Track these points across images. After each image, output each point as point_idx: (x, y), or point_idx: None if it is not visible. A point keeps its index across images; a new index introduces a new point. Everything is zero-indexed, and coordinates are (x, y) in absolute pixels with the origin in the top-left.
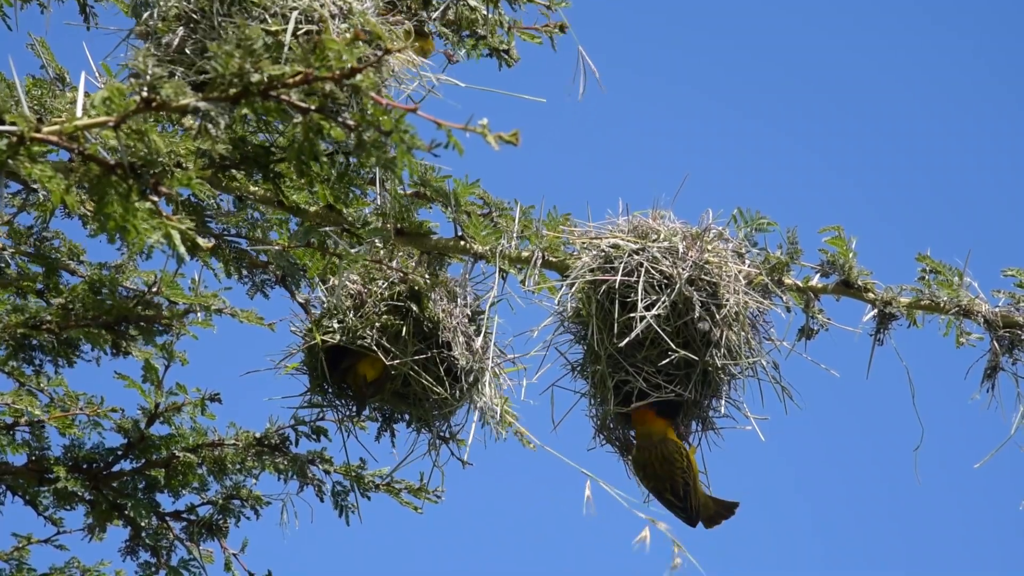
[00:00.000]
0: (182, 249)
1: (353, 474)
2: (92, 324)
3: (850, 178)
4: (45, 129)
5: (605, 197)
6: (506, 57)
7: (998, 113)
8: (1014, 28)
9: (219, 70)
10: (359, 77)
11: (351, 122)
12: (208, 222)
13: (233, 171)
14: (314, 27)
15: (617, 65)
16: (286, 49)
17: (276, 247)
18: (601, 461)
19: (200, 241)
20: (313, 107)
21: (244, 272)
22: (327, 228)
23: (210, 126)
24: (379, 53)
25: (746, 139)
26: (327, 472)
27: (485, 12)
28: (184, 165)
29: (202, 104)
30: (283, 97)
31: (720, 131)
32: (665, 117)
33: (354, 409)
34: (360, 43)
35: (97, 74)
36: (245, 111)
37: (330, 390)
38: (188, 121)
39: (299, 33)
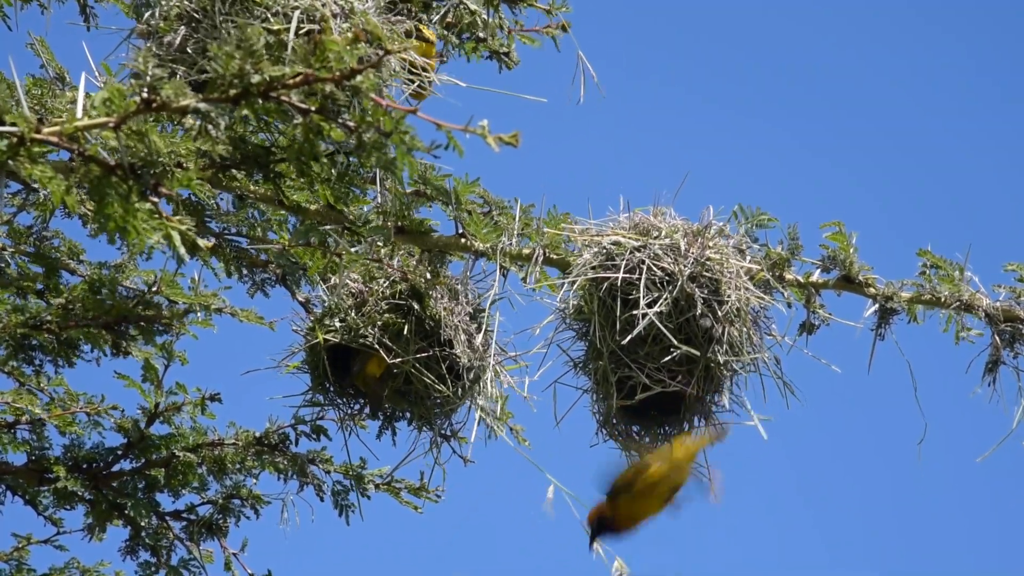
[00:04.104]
0: (182, 250)
1: (353, 473)
2: (92, 324)
3: (850, 174)
4: (45, 130)
5: (605, 196)
6: (506, 60)
7: (997, 107)
8: (1012, 21)
9: (219, 71)
10: (359, 78)
11: (351, 123)
12: (208, 222)
13: (233, 171)
14: (316, 27)
15: (616, 65)
16: (289, 48)
17: (277, 246)
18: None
19: (200, 242)
20: (313, 108)
21: (244, 271)
22: (327, 227)
23: (210, 127)
24: (379, 54)
25: (745, 137)
26: (327, 471)
27: (485, 16)
28: (184, 165)
29: (202, 105)
30: (283, 98)
31: (719, 129)
32: (664, 116)
33: (357, 407)
34: (361, 44)
35: (97, 74)
36: (245, 112)
37: (332, 389)
38: (189, 121)
39: (301, 32)
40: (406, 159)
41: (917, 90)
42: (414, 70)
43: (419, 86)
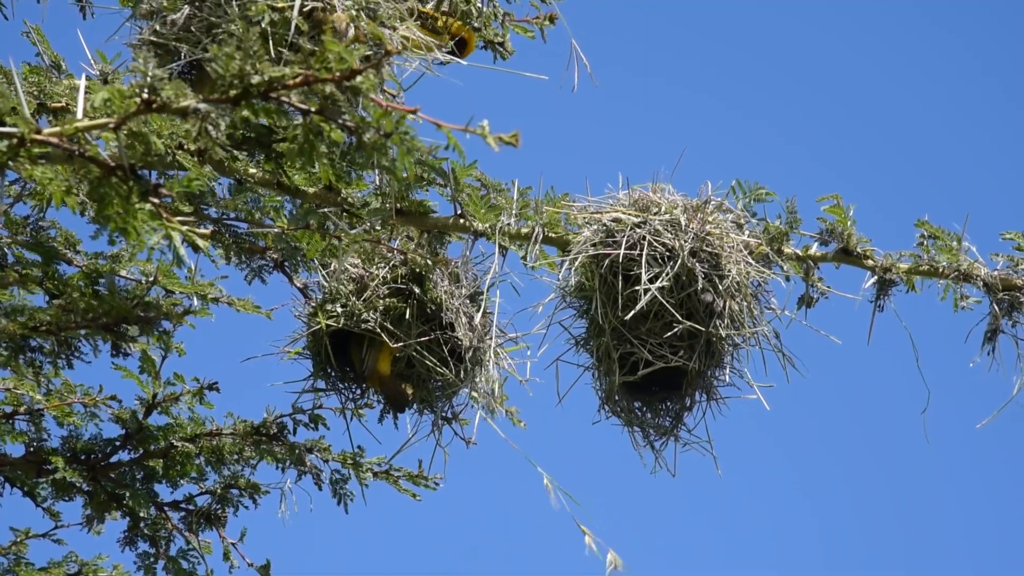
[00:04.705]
0: (183, 251)
1: (351, 462)
2: (91, 325)
3: (846, 146)
4: (46, 131)
5: (601, 180)
6: (501, 50)
7: (992, 79)
8: None
9: (219, 71)
10: (359, 79)
11: (351, 124)
12: (205, 209)
13: (235, 152)
14: (319, 4)
15: (611, 51)
16: (292, 26)
17: (275, 229)
18: (604, 434)
19: (200, 244)
20: (313, 109)
21: (242, 257)
22: (326, 209)
23: (210, 128)
24: (380, 54)
25: (741, 113)
26: (325, 460)
27: (480, 5)
28: (186, 147)
29: (202, 106)
30: (283, 99)
31: (715, 110)
32: (662, 117)
33: (358, 392)
34: (361, 44)
35: (92, 61)
36: (245, 112)
37: (333, 374)
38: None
39: (305, 10)
40: (406, 160)
41: (912, 63)
42: (416, 49)
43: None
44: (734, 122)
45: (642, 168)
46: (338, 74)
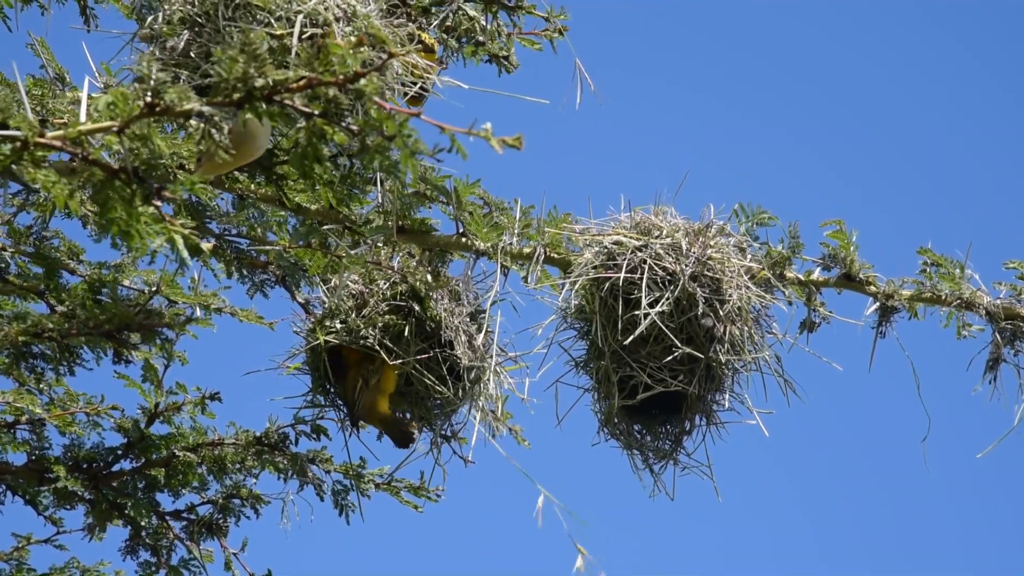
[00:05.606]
0: (185, 254)
1: (353, 473)
2: (93, 332)
3: (850, 172)
4: (49, 134)
5: (605, 198)
6: (505, 63)
7: (998, 105)
8: (1013, 20)
9: (223, 75)
10: (363, 82)
11: (354, 127)
12: (208, 223)
13: (236, 172)
14: (319, 31)
15: (616, 66)
16: (293, 53)
17: (277, 247)
18: (604, 456)
19: (203, 245)
20: (317, 112)
21: (244, 272)
22: (328, 227)
23: (213, 131)
24: (383, 57)
25: (745, 137)
26: (327, 471)
27: (484, 22)
28: (187, 167)
29: (206, 109)
30: (287, 102)
31: (719, 129)
32: (663, 117)
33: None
34: (364, 48)
35: (97, 74)
36: (248, 116)
37: (332, 390)
38: (192, 123)
39: (304, 36)
40: (409, 162)
41: (917, 88)
42: (415, 71)
43: (421, 88)
44: (735, 122)
45: (644, 170)
46: (341, 77)
